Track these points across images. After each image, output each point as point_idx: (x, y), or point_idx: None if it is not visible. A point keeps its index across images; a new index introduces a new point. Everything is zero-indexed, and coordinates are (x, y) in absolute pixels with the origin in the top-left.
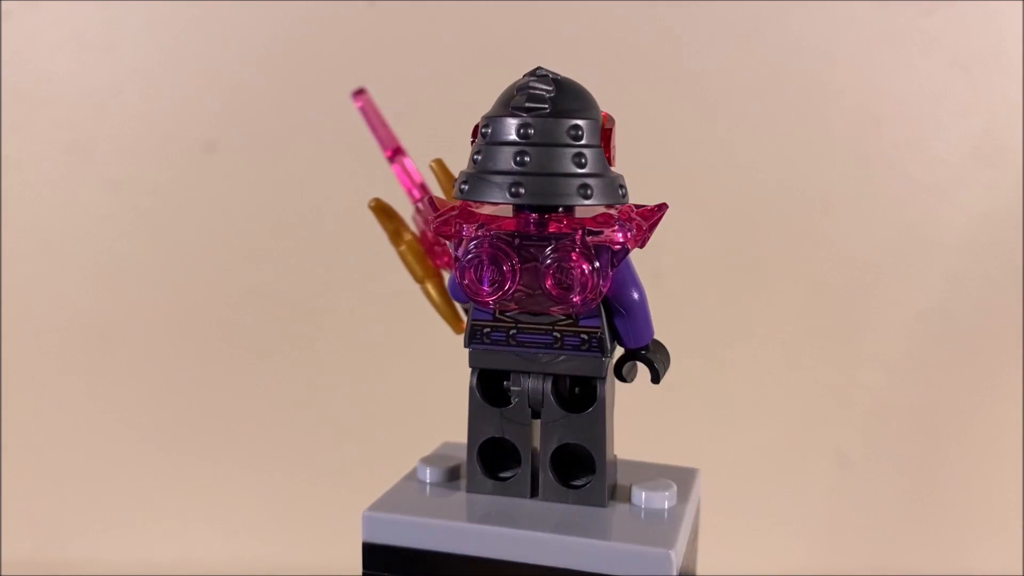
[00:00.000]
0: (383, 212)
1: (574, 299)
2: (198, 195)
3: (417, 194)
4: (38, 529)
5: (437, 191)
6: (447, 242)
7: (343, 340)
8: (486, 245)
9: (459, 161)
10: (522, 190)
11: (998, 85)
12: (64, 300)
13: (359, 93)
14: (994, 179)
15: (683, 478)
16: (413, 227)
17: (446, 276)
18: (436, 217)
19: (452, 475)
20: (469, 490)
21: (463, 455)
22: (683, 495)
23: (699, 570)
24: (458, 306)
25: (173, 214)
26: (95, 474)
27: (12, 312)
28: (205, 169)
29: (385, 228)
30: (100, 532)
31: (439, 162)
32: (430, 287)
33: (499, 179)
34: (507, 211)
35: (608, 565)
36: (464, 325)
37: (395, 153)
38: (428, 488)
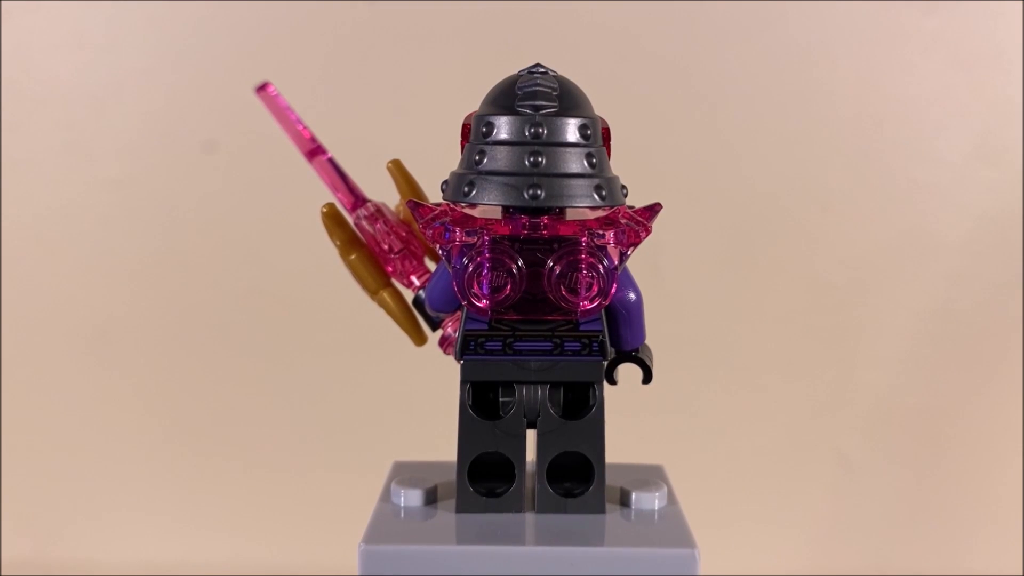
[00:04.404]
0: (335, 220)
1: (583, 303)
2: (198, 195)
3: (350, 197)
4: (38, 529)
5: (391, 194)
6: (439, 249)
7: (343, 341)
8: (490, 251)
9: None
10: (540, 192)
11: (998, 85)
12: (63, 300)
13: (263, 88)
14: (994, 179)
15: (656, 475)
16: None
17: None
18: (426, 221)
19: (430, 497)
20: (459, 510)
21: (430, 475)
22: (670, 493)
23: (697, 570)
24: (419, 317)
25: (173, 214)
26: (95, 474)
27: (11, 312)
28: (205, 169)
29: (336, 237)
30: (100, 532)
31: (397, 163)
32: (386, 297)
33: (512, 180)
34: (488, 212)
35: (635, 569)
36: (424, 336)
37: (313, 152)
38: (415, 513)
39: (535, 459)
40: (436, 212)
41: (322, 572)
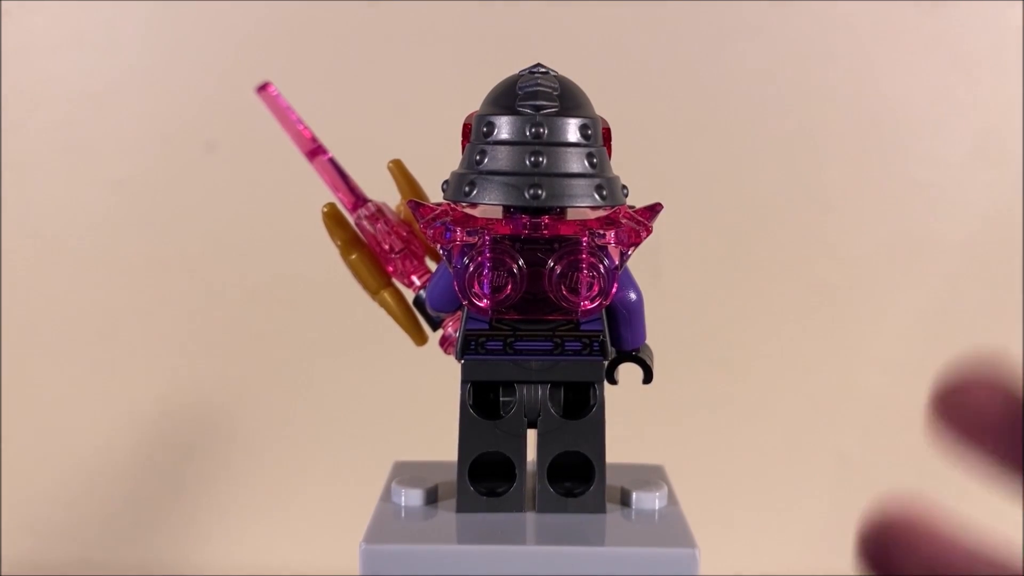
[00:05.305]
0: (336, 220)
1: (583, 303)
2: (198, 195)
3: (351, 197)
4: (38, 529)
5: (391, 194)
6: (440, 249)
7: (343, 340)
8: (491, 251)
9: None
10: (541, 192)
11: (998, 85)
12: (63, 300)
13: (263, 88)
14: (994, 179)
15: (656, 475)
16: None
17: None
18: (426, 221)
19: (431, 496)
20: (460, 509)
21: (431, 474)
22: (671, 493)
23: (697, 570)
24: (420, 317)
25: (173, 214)
26: (95, 474)
27: (12, 312)
28: (205, 169)
29: (337, 237)
30: (100, 532)
31: (397, 163)
32: (387, 297)
33: (513, 180)
34: (489, 212)
35: (635, 569)
36: (425, 336)
37: (314, 152)
38: (416, 512)
39: (536, 459)
40: (437, 212)
41: (322, 572)
